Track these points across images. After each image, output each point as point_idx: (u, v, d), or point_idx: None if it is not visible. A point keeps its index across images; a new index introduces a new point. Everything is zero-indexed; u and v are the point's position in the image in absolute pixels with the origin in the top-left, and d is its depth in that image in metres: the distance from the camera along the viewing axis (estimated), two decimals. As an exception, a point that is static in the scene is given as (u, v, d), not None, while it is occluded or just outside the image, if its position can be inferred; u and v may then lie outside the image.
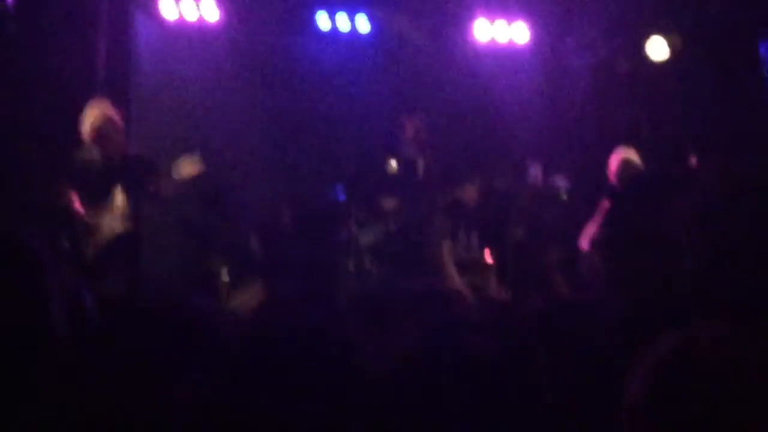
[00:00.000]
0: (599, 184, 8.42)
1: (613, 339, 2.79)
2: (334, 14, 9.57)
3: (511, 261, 8.85)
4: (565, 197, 9.12)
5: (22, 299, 1.79)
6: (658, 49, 9.18)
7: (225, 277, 8.69)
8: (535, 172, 9.30)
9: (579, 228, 8.41)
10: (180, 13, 9.18)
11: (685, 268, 7.46)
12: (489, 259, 8.70)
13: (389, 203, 8.11)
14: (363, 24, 9.63)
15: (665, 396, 1.59)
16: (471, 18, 9.58)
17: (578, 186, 9.19)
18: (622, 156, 8.16)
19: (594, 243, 8.15)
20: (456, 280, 8.09)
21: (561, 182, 9.26)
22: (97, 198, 7.38)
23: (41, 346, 1.80)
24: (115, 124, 7.49)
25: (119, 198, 7.47)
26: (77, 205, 7.29)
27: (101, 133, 7.39)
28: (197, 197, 9.37)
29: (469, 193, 8.13)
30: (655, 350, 1.65)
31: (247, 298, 7.71)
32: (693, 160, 8.09)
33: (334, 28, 9.59)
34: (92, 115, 7.45)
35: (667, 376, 1.61)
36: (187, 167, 7.60)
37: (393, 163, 8.19)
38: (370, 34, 9.68)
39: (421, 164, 8.28)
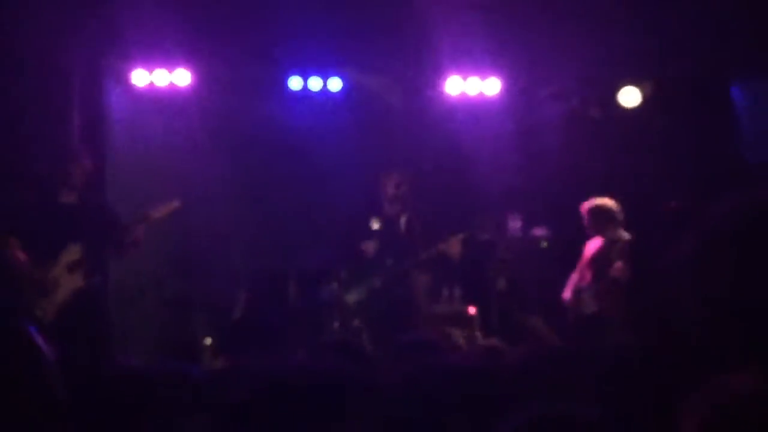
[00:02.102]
0: (579, 232, 8.42)
1: (622, 384, 2.72)
2: (307, 78, 9.59)
3: (494, 312, 8.82)
4: (545, 246, 9.12)
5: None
6: (630, 96, 9.26)
7: (207, 341, 8.59)
8: (514, 223, 9.31)
9: (562, 276, 8.40)
10: (151, 78, 9.18)
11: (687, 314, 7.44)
12: (472, 311, 8.66)
13: (373, 261, 8.08)
14: (335, 84, 9.65)
15: None
16: (443, 75, 9.61)
17: (558, 234, 9.19)
18: (593, 203, 8.18)
19: (577, 291, 8.13)
20: None
21: (541, 232, 9.27)
22: (48, 249, 7.14)
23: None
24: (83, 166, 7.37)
25: (72, 248, 7.24)
26: (21, 258, 7.00)
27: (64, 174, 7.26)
28: (170, 259, 9.33)
29: (454, 246, 8.10)
30: (697, 406, 1.65)
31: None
32: (673, 204, 8.11)
33: (305, 88, 9.60)
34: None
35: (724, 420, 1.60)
36: (162, 209, 7.48)
37: (375, 223, 8.18)
38: (341, 93, 9.70)
39: (403, 220, 8.26)
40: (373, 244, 8.15)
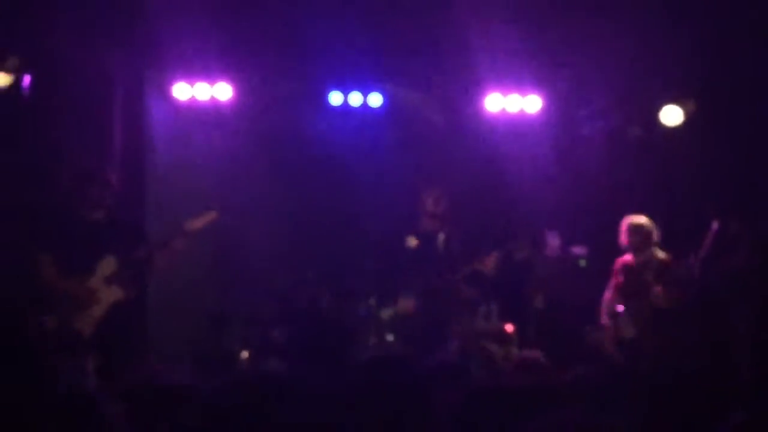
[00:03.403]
0: (618, 252, 8.38)
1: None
2: (347, 93, 9.63)
3: (532, 329, 8.78)
4: (584, 264, 9.07)
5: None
6: (671, 115, 9.19)
7: (244, 354, 8.61)
8: (553, 241, 9.27)
9: (599, 295, 8.36)
10: (192, 93, 9.25)
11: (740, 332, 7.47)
12: (510, 328, 8.63)
13: (409, 278, 8.11)
14: (375, 99, 9.68)
15: None
16: (483, 92, 9.61)
17: (597, 253, 9.14)
18: (630, 221, 8.15)
19: (613, 315, 8.10)
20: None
21: (579, 250, 9.23)
22: (79, 264, 7.16)
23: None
24: (107, 188, 7.38)
25: (108, 261, 7.25)
26: (52, 273, 7.08)
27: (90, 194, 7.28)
28: (208, 273, 9.38)
29: (489, 264, 8.10)
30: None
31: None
32: (715, 225, 8.03)
33: (345, 103, 9.64)
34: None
35: None
36: (200, 220, 7.50)
37: (412, 240, 8.20)
38: (381, 108, 9.72)
39: (441, 237, 8.26)
40: (410, 261, 8.17)
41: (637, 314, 8.00)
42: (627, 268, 8.21)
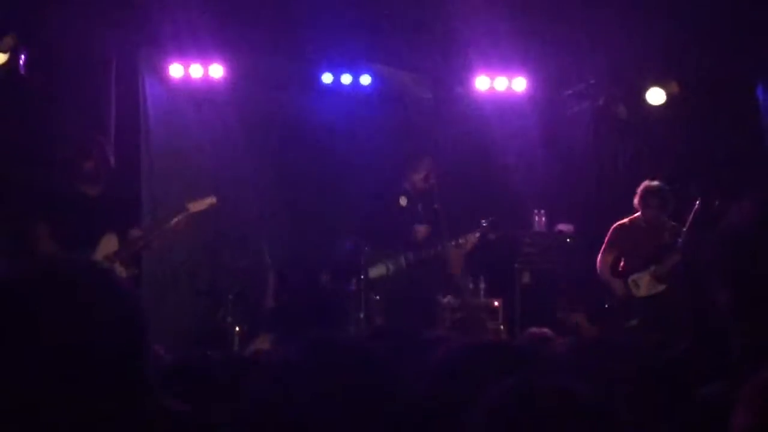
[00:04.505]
0: (603, 228, 8.54)
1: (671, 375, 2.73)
2: (338, 73, 9.77)
3: (519, 305, 8.96)
4: (570, 241, 9.24)
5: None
6: (655, 96, 9.35)
7: (238, 329, 8.72)
8: (539, 218, 9.43)
9: (588, 271, 8.52)
10: (186, 71, 9.36)
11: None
12: (496, 303, 8.81)
13: (420, 231, 8.15)
14: (365, 79, 9.83)
15: None
16: (471, 73, 9.76)
17: (583, 230, 9.31)
18: (650, 183, 8.28)
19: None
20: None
21: (565, 227, 9.39)
22: (76, 239, 7.15)
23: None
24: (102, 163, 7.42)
25: (109, 238, 7.29)
26: (51, 246, 7.09)
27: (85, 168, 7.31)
28: (202, 249, 9.48)
29: (469, 243, 8.18)
30: (760, 383, 1.67)
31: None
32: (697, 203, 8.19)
33: (337, 83, 9.78)
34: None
35: None
36: (200, 203, 7.54)
37: (403, 199, 8.23)
38: (371, 87, 9.87)
39: (435, 205, 8.25)
40: (401, 217, 8.19)
41: (661, 273, 8.13)
42: (637, 230, 8.31)
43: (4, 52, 8.14)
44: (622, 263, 8.38)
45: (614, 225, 8.43)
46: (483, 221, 8.34)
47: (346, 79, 9.79)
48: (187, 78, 9.40)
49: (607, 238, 8.42)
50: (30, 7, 8.26)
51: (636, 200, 8.29)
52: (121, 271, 7.24)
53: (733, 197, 8.33)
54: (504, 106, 9.89)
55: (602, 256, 8.42)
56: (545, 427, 1.67)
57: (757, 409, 1.63)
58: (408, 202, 8.24)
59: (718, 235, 2.89)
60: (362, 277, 8.12)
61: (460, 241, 8.16)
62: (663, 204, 8.22)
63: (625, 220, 8.39)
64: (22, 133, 8.24)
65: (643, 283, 8.23)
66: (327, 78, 9.78)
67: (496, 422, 1.69)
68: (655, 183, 8.27)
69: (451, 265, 8.10)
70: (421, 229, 8.18)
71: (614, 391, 2.35)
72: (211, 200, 7.57)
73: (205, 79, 9.41)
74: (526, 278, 9.20)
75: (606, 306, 8.37)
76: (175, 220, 7.42)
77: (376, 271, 8.18)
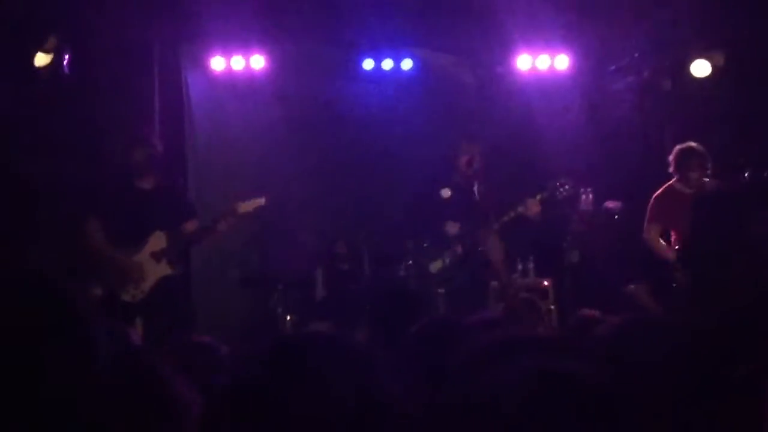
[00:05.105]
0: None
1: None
2: (380, 59, 9.75)
3: (568, 284, 8.91)
4: (618, 218, 9.16)
5: (69, 347, 1.78)
6: (700, 68, 9.23)
7: (289, 318, 8.78)
8: (587, 196, 9.35)
9: (636, 249, 8.42)
10: (228, 63, 9.41)
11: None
12: (546, 283, 8.78)
13: (452, 228, 8.09)
14: (407, 63, 9.81)
15: None
16: (513, 53, 9.70)
17: (630, 207, 9.22)
18: (687, 145, 8.02)
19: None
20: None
21: (613, 205, 9.31)
22: (127, 233, 7.26)
23: (90, 393, 1.79)
24: (153, 151, 7.47)
25: (158, 236, 7.34)
26: (100, 239, 7.19)
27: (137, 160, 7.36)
28: (251, 240, 9.53)
29: (533, 207, 8.04)
30: None
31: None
32: (746, 175, 8.06)
33: (378, 68, 9.77)
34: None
35: None
36: (249, 204, 7.52)
37: (446, 191, 8.17)
38: (413, 72, 9.85)
39: (476, 189, 8.19)
40: (448, 211, 8.14)
41: None
42: (680, 198, 8.03)
43: (48, 52, 8.24)
44: (673, 236, 8.21)
45: (653, 197, 8.23)
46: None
47: (387, 64, 9.78)
48: (228, 70, 9.46)
49: (648, 212, 8.24)
50: (71, 7, 8.34)
51: (673, 166, 8.04)
52: (167, 269, 7.31)
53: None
54: (547, 84, 9.82)
55: (648, 232, 8.25)
56: (546, 413, 1.66)
57: None
58: (452, 193, 8.16)
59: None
60: (410, 263, 8.13)
61: (521, 209, 8.03)
62: (704, 164, 7.95)
63: (660, 190, 8.18)
64: (70, 131, 8.33)
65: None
66: (368, 64, 9.77)
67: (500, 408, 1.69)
68: (689, 144, 8.03)
69: (492, 253, 8.03)
70: (452, 227, 8.09)
71: (640, 373, 2.35)
72: (260, 201, 7.54)
73: (247, 70, 9.46)
74: (575, 257, 9.14)
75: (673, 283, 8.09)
76: (225, 222, 7.42)
77: (435, 266, 8.17)
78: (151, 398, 2.17)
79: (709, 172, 7.99)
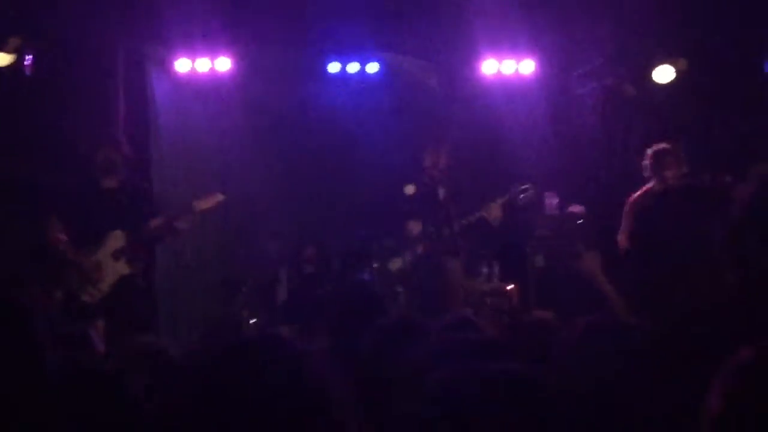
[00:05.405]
0: (613, 208, 8.47)
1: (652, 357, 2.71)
2: (345, 62, 9.75)
3: (533, 289, 8.94)
4: (581, 223, 9.20)
5: (13, 351, 1.77)
6: (663, 73, 9.29)
7: (252, 320, 8.76)
8: (551, 200, 9.40)
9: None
10: (192, 65, 9.37)
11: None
12: (510, 287, 8.81)
13: (414, 227, 8.11)
14: (372, 67, 9.81)
15: (746, 407, 1.60)
16: (478, 57, 9.73)
17: (592, 211, 9.27)
18: (661, 146, 7.96)
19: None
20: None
21: (577, 209, 9.35)
22: (90, 233, 7.18)
23: (39, 394, 1.78)
24: (120, 150, 7.41)
25: (116, 235, 7.26)
26: (62, 240, 7.10)
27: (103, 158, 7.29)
28: (214, 241, 9.51)
29: (494, 210, 8.10)
30: (732, 364, 1.65)
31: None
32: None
33: (344, 72, 9.77)
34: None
35: (747, 388, 1.61)
36: (207, 201, 7.48)
37: (410, 188, 8.18)
38: (379, 75, 9.86)
39: (441, 191, 8.21)
40: (411, 210, 8.16)
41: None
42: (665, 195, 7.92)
43: (10, 53, 8.17)
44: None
45: (629, 201, 8.20)
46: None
47: (353, 67, 9.77)
48: (194, 72, 9.41)
49: (626, 215, 8.23)
50: (34, 7, 8.28)
51: (649, 168, 7.94)
52: (125, 267, 7.27)
53: (741, 176, 8.30)
54: (512, 89, 9.86)
55: (623, 234, 8.20)
56: (483, 412, 1.67)
57: (730, 392, 1.62)
58: (416, 192, 8.18)
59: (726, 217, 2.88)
60: (375, 266, 8.14)
61: (483, 212, 8.08)
62: (679, 162, 7.86)
63: (638, 193, 8.18)
64: (31, 131, 8.27)
65: None
66: (334, 67, 9.76)
67: (432, 409, 1.70)
68: (662, 145, 7.94)
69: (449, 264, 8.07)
70: (413, 226, 8.12)
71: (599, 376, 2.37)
72: (218, 197, 7.53)
73: (212, 72, 9.41)
74: (539, 261, 9.17)
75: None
76: (183, 219, 7.39)
77: (394, 264, 8.19)
78: (107, 400, 2.15)
79: (685, 170, 7.95)
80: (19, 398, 1.74)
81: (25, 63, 8.23)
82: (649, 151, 7.99)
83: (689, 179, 7.87)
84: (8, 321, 1.82)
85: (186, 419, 1.65)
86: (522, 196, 8.16)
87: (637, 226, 8.05)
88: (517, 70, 9.77)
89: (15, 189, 8.03)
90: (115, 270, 7.22)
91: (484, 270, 9.02)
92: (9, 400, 1.72)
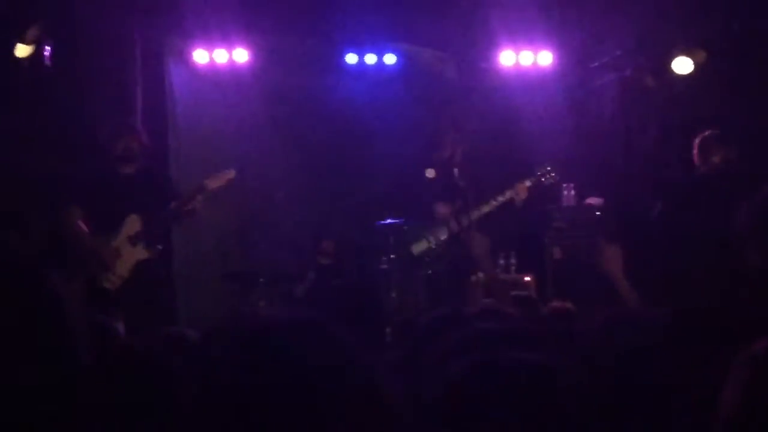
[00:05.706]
0: (631, 200, 8.46)
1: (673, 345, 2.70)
2: (363, 53, 9.75)
3: (551, 281, 8.91)
4: (599, 214, 9.16)
5: (46, 334, 1.75)
6: (682, 65, 9.24)
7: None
8: (568, 192, 9.36)
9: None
10: (210, 56, 9.39)
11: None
12: (528, 278, 8.78)
13: (443, 208, 8.19)
14: (390, 58, 9.81)
15: (761, 399, 1.59)
16: (496, 48, 9.71)
17: (611, 203, 9.23)
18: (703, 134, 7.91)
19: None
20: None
21: (595, 201, 9.31)
22: (109, 220, 7.26)
23: (68, 381, 1.75)
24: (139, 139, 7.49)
25: (133, 220, 7.34)
26: (83, 228, 7.18)
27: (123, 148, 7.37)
28: (232, 232, 9.52)
29: (521, 192, 8.24)
30: (747, 356, 1.64)
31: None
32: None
33: (361, 63, 9.77)
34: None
35: (762, 379, 1.59)
36: (219, 179, 7.53)
37: (430, 171, 8.26)
38: (396, 67, 9.85)
39: (460, 181, 8.26)
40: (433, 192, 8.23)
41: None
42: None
43: (29, 44, 8.19)
44: None
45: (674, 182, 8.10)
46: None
47: (371, 59, 9.78)
48: (212, 63, 9.44)
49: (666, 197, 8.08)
50: (53, -2, 8.32)
51: (696, 156, 7.85)
52: (143, 252, 7.30)
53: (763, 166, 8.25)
54: (530, 80, 9.82)
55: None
56: (503, 401, 1.67)
57: (745, 383, 1.61)
58: (435, 175, 8.27)
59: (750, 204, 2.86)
60: (392, 256, 8.15)
61: (509, 193, 8.17)
62: (727, 147, 7.79)
63: (683, 180, 8.08)
64: (50, 121, 8.31)
65: None
66: (351, 58, 9.76)
67: (455, 397, 1.70)
68: (709, 131, 7.87)
69: (475, 245, 8.09)
70: (442, 208, 8.20)
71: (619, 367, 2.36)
72: (229, 174, 7.56)
73: (230, 63, 9.44)
74: (557, 253, 9.14)
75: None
76: (196, 198, 7.41)
77: (419, 247, 8.24)
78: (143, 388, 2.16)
79: (732, 156, 7.89)
80: (54, 388, 1.73)
81: (45, 53, 8.24)
82: (697, 139, 7.96)
83: (735, 166, 7.84)
84: (40, 309, 1.82)
85: (229, 402, 1.61)
86: (547, 177, 8.47)
87: (677, 212, 7.99)
88: (535, 61, 9.74)
89: (35, 178, 8.06)
90: (132, 255, 7.28)
91: (501, 261, 9.00)
92: (44, 390, 1.72)
